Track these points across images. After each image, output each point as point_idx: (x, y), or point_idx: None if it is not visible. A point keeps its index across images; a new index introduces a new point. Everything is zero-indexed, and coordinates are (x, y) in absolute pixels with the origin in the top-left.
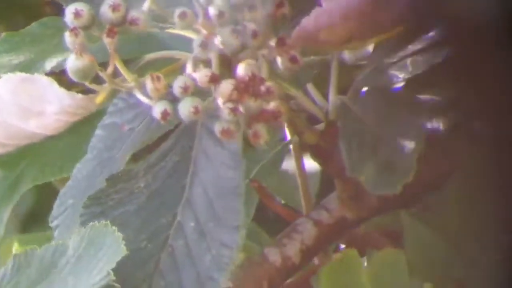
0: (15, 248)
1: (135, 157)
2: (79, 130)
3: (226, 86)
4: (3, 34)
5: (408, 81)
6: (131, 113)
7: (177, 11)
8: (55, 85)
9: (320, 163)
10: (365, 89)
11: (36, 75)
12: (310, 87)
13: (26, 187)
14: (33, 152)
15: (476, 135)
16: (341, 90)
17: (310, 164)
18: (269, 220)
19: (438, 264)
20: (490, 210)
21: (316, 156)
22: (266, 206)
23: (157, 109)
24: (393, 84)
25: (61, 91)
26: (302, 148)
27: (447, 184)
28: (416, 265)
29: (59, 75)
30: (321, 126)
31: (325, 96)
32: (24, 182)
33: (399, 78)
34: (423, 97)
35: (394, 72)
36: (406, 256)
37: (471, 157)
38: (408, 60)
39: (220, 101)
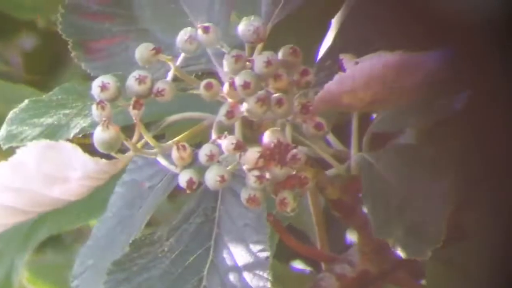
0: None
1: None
2: None
3: (252, 154)
4: (27, 100)
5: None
6: (151, 170)
7: (203, 82)
8: (79, 151)
9: (341, 217)
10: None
11: (60, 141)
12: (329, 135)
13: (42, 237)
14: None
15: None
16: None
17: None
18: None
19: None
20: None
21: (337, 210)
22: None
23: (183, 178)
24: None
25: (85, 157)
26: None
27: (469, 228)
28: None
29: (82, 139)
30: (333, 171)
31: (342, 141)
32: (40, 232)
33: (415, 122)
34: (447, 153)
35: (410, 116)
36: None
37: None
38: (424, 106)
39: (245, 168)
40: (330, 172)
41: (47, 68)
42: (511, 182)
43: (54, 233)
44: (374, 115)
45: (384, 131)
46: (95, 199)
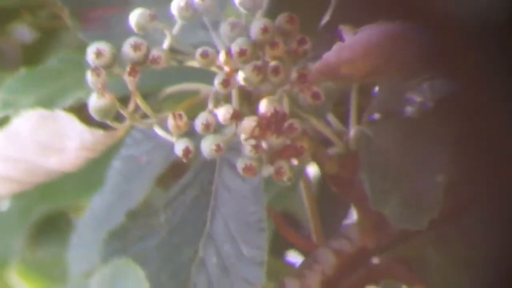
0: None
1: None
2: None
3: (249, 123)
4: (23, 70)
5: (426, 108)
6: (149, 144)
7: (199, 50)
8: (75, 121)
9: (340, 193)
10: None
11: (56, 111)
12: (329, 115)
13: (38, 216)
14: None
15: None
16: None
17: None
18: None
19: None
20: None
21: (335, 185)
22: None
23: (179, 146)
24: (409, 108)
25: (82, 127)
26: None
27: (470, 216)
28: None
29: (79, 110)
30: (334, 150)
31: (342, 120)
32: (36, 211)
33: (416, 101)
34: (444, 126)
35: (410, 95)
36: None
37: (495, 189)
38: (425, 84)
39: (242, 137)
40: (330, 150)
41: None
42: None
43: (52, 210)
44: (376, 90)
45: (384, 109)
46: (92, 175)
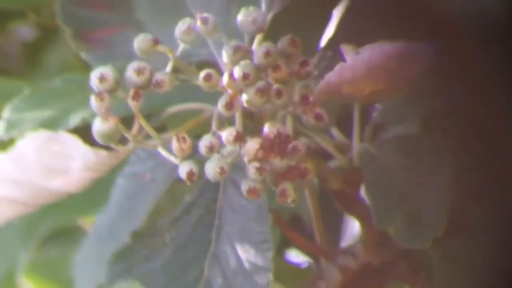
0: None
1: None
2: None
3: (252, 145)
4: (27, 90)
5: (426, 123)
6: (152, 162)
7: (202, 74)
8: (79, 142)
9: (343, 208)
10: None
11: (60, 132)
12: (332, 128)
13: (45, 231)
14: None
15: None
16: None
17: None
18: None
19: None
20: None
21: (339, 201)
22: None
23: (183, 169)
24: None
25: (86, 148)
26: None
27: (474, 223)
28: None
29: (83, 131)
30: (335, 163)
31: (345, 133)
32: (43, 225)
33: (417, 113)
34: (445, 141)
35: (413, 108)
36: None
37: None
38: (426, 97)
39: (246, 159)
40: (332, 163)
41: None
42: None
43: (56, 227)
44: (377, 106)
45: (386, 122)
46: (97, 192)
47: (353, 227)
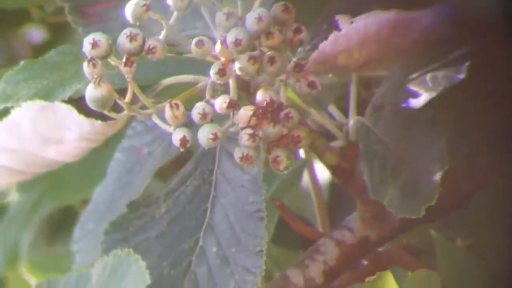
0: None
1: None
2: (97, 152)
3: (245, 112)
4: (22, 62)
5: (428, 100)
6: (150, 136)
7: (194, 40)
8: (74, 112)
9: (341, 183)
10: (384, 108)
11: (55, 102)
12: (330, 105)
13: (46, 210)
14: (51, 176)
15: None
16: (362, 106)
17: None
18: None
19: (473, 286)
20: None
21: (337, 176)
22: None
23: (176, 136)
24: (411, 100)
25: (81, 118)
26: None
27: (475, 203)
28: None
29: (78, 102)
30: (337, 143)
31: (345, 113)
32: (44, 205)
33: (419, 94)
34: (444, 116)
35: (413, 88)
36: (440, 277)
37: (496, 175)
38: (428, 76)
39: (239, 127)
40: (333, 143)
41: None
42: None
43: (57, 207)
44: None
45: (386, 103)
46: (96, 171)
47: None
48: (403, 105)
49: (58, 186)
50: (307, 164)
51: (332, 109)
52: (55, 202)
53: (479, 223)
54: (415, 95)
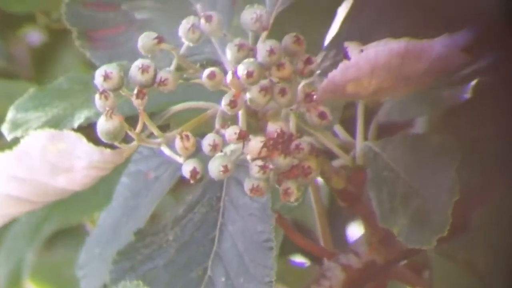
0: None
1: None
2: None
3: (255, 143)
4: (31, 90)
5: (433, 122)
6: (156, 160)
7: (206, 72)
8: (83, 140)
9: (347, 207)
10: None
11: (64, 131)
12: (336, 126)
13: (50, 230)
14: None
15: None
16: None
17: None
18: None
19: None
20: None
21: (343, 200)
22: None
23: (186, 168)
24: (415, 119)
25: (90, 146)
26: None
27: (473, 220)
28: None
29: (87, 129)
30: (341, 162)
31: (350, 131)
32: (48, 226)
33: (423, 112)
34: (453, 141)
35: (418, 106)
36: None
37: (497, 193)
38: (433, 94)
39: (249, 157)
40: (336, 162)
41: (54, 65)
42: None
43: (62, 227)
44: (381, 105)
45: (391, 121)
46: (101, 192)
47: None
48: (411, 131)
49: (63, 206)
50: (314, 189)
51: (338, 128)
52: (60, 222)
53: (477, 241)
54: (421, 113)
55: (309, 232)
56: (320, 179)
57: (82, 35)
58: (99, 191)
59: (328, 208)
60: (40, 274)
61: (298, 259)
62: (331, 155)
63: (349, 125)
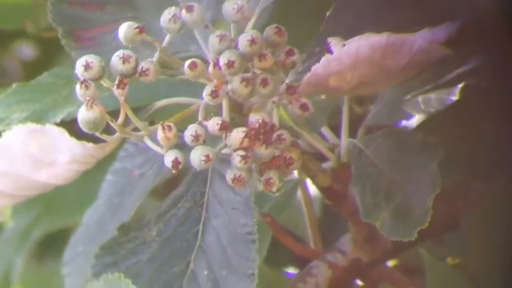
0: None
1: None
2: (90, 175)
3: (237, 134)
4: (14, 85)
5: (420, 122)
6: (141, 158)
7: (187, 62)
8: (65, 135)
9: (332, 205)
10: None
11: (47, 125)
12: (324, 129)
13: (39, 234)
14: (45, 199)
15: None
16: (355, 124)
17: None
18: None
19: None
20: (510, 246)
21: (328, 198)
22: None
23: (168, 158)
24: (403, 122)
25: (72, 141)
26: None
27: (464, 222)
28: None
29: (70, 124)
30: (329, 164)
31: (337, 132)
32: (37, 229)
33: (411, 115)
34: (436, 138)
35: (406, 109)
36: None
37: (488, 195)
38: (420, 98)
39: (231, 148)
40: (324, 165)
41: None
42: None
43: (50, 231)
44: (370, 108)
45: (379, 124)
46: (88, 194)
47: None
48: (396, 127)
49: (51, 209)
50: (300, 182)
51: (325, 130)
52: (49, 226)
53: (469, 242)
54: (408, 116)
55: (300, 239)
56: (311, 193)
57: (68, 34)
58: (87, 193)
59: (320, 216)
60: (29, 280)
61: (291, 270)
62: (319, 158)
63: (338, 130)
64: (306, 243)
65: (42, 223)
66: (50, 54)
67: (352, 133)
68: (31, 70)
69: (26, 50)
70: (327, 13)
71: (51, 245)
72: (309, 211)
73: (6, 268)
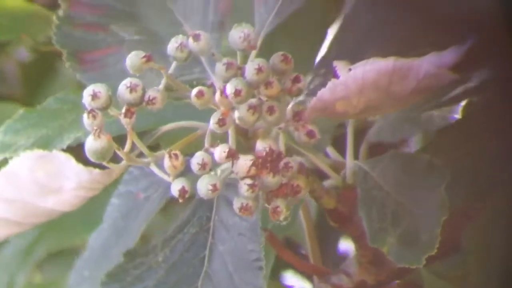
0: None
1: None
2: (94, 196)
3: (244, 162)
4: (20, 111)
5: (424, 143)
6: (146, 181)
7: (194, 91)
8: (72, 161)
9: (338, 227)
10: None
11: (53, 151)
12: (328, 147)
13: (42, 253)
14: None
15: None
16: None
17: None
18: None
19: None
20: (510, 265)
21: (333, 220)
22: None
23: (175, 187)
24: (406, 139)
25: (79, 167)
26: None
27: (464, 237)
28: None
29: (76, 150)
30: (332, 182)
31: (341, 151)
32: (40, 249)
33: (414, 132)
34: (441, 160)
35: (408, 126)
36: None
37: (489, 210)
38: (423, 115)
39: (238, 176)
40: (327, 183)
41: (45, 82)
42: (509, 194)
43: (53, 250)
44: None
45: (381, 141)
46: (92, 214)
47: (350, 249)
48: (400, 149)
49: (54, 229)
50: (304, 207)
51: (329, 149)
52: (51, 245)
53: (468, 258)
54: (410, 133)
55: (299, 249)
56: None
57: (72, 56)
58: (91, 213)
59: (318, 225)
60: None
61: (290, 277)
62: (322, 176)
63: (340, 145)
64: (306, 253)
65: (44, 243)
66: (48, 59)
67: (355, 147)
68: (29, 72)
69: (24, 53)
70: (328, 32)
71: (53, 259)
72: (308, 227)
73: (8, 285)
